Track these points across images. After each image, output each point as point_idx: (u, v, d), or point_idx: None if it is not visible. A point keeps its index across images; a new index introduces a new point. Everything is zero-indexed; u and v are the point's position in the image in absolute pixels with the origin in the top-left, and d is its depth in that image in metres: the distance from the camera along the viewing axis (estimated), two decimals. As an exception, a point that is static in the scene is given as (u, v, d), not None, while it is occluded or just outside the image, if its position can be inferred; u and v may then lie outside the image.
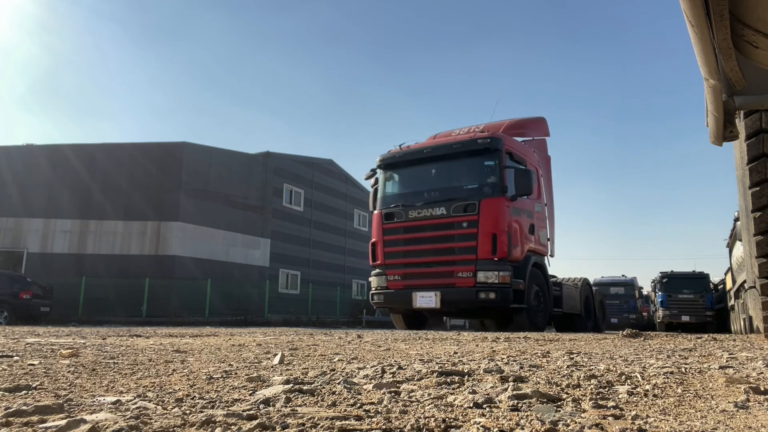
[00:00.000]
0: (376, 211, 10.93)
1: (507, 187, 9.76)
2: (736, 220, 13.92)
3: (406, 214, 10.42)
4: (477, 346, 4.23)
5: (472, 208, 9.72)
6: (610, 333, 9.41)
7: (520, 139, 11.66)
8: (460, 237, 9.76)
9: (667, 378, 2.18)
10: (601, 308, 15.00)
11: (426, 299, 9.71)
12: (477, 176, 10.23)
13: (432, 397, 1.70)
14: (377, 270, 10.62)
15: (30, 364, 2.63)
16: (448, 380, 2.06)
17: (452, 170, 10.54)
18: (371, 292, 10.77)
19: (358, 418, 1.39)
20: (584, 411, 1.51)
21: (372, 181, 11.48)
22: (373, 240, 10.79)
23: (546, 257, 11.21)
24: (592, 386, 1.94)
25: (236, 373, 2.31)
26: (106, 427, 1.23)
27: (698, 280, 26.15)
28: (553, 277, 12.73)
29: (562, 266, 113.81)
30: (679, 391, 1.88)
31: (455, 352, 3.50)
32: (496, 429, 1.29)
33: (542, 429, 1.28)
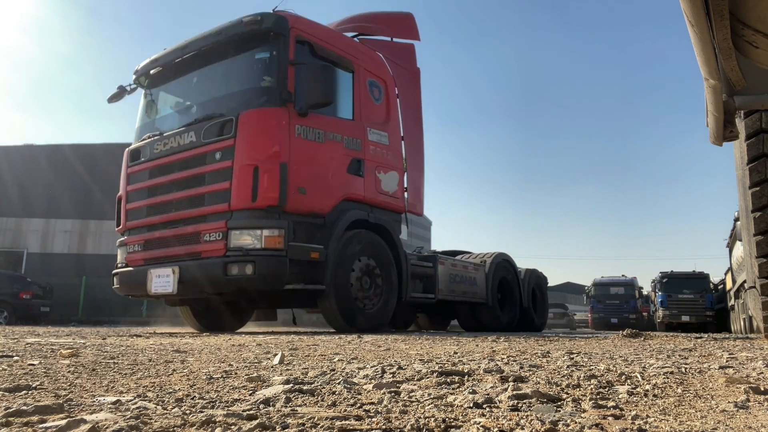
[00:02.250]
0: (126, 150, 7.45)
1: (292, 93, 6.19)
2: (736, 220, 13.93)
3: (151, 149, 6.86)
4: (477, 346, 4.24)
5: (229, 128, 6.13)
6: (610, 333, 9.39)
7: (355, 35, 8.09)
8: (212, 176, 6.22)
9: (667, 378, 2.18)
10: (535, 297, 10.89)
11: (163, 280, 6.30)
12: (244, 79, 6.65)
13: (432, 397, 1.70)
14: (121, 239, 7.22)
15: (30, 364, 2.63)
16: (448, 380, 2.06)
17: (216, 75, 6.96)
18: (112, 271, 7.31)
19: (358, 418, 1.39)
20: (584, 411, 1.51)
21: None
22: (119, 194, 7.33)
23: (403, 215, 7.66)
24: (592, 386, 1.94)
25: (236, 373, 2.31)
26: (106, 427, 1.23)
27: (698, 280, 26.19)
28: (467, 253, 9.74)
29: (563, 266, 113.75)
30: (679, 391, 1.88)
31: (455, 352, 3.50)
32: (496, 429, 1.29)
33: (542, 429, 1.28)
